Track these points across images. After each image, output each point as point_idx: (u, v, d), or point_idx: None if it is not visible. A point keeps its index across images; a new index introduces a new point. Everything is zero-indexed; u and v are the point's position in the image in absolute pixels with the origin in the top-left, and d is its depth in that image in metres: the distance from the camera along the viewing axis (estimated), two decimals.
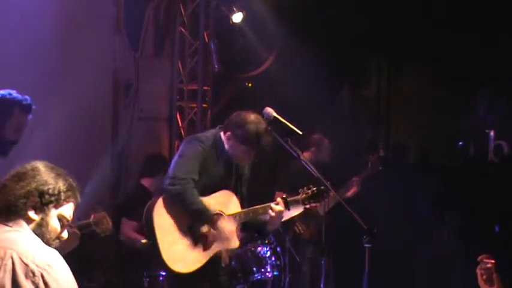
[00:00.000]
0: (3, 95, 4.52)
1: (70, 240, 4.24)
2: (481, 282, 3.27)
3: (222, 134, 4.91)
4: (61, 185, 2.85)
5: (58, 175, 2.87)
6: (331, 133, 7.93)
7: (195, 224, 4.75)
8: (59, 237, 2.89)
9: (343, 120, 10.50)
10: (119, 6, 7.27)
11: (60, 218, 2.87)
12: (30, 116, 4.57)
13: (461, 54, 9.75)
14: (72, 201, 2.90)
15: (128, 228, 6.25)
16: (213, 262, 4.81)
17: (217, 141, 4.89)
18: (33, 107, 4.56)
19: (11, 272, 2.67)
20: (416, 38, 9.86)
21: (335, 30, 9.40)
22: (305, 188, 4.93)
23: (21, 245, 2.72)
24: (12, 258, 2.68)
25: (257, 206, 4.89)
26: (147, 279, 5.82)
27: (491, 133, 9.96)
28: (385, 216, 7.92)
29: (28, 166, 2.86)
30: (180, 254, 4.70)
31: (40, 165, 2.86)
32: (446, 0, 9.48)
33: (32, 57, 5.94)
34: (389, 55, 10.77)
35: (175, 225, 4.72)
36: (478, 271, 3.26)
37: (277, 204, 4.82)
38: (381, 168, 7.56)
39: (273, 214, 4.81)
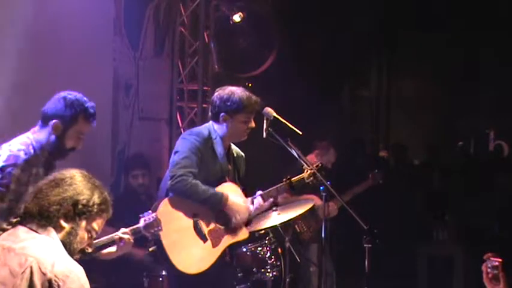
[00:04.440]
0: (70, 100, 4.23)
1: (122, 248, 4.15)
2: (486, 280, 3.26)
3: (215, 123, 4.90)
4: (96, 197, 2.83)
5: (95, 187, 2.85)
6: (331, 133, 7.94)
7: (200, 222, 4.75)
8: (84, 249, 2.88)
9: (343, 120, 10.51)
10: (119, 6, 7.27)
11: (90, 230, 2.85)
12: (94, 124, 4.32)
13: (461, 54, 9.76)
14: (104, 216, 2.89)
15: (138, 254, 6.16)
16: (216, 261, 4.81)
17: (212, 133, 4.89)
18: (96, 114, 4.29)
19: (28, 280, 2.65)
20: (416, 38, 9.87)
21: (335, 30, 9.40)
22: (310, 162, 5.02)
23: (43, 254, 2.69)
24: (31, 267, 2.66)
25: (261, 193, 4.92)
26: (147, 279, 5.82)
27: (491, 133, 9.98)
28: (385, 216, 7.93)
29: (67, 173, 2.84)
30: (190, 256, 4.68)
31: (78, 174, 2.85)
32: (446, 0, 9.48)
33: (31, 56, 5.93)
34: (389, 55, 10.79)
35: (180, 228, 4.70)
36: (484, 269, 3.25)
37: (286, 185, 4.93)
38: (381, 181, 7.55)
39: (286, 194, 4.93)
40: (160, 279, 5.71)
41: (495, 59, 9.46)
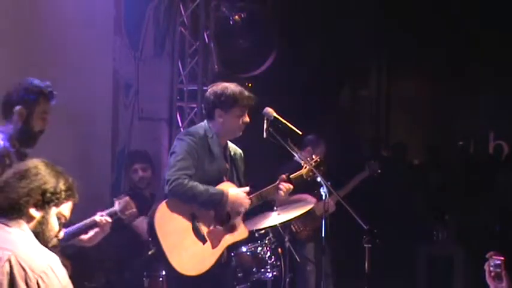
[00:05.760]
0: (28, 85, 4.40)
1: (101, 231, 4.28)
2: (489, 279, 3.27)
3: (210, 121, 4.89)
4: (62, 184, 2.89)
5: (58, 174, 2.91)
6: (331, 133, 7.93)
7: (198, 224, 4.74)
8: (57, 235, 2.92)
9: (343, 120, 10.51)
10: (119, 6, 7.27)
11: (59, 217, 2.91)
12: (53, 102, 4.47)
13: (461, 54, 9.76)
14: (71, 200, 2.95)
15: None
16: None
17: (208, 132, 4.87)
18: (55, 92, 4.47)
19: (8, 274, 2.69)
20: (416, 38, 9.86)
21: (335, 30, 9.40)
22: (308, 159, 5.03)
23: (20, 248, 2.74)
24: (10, 261, 2.70)
25: (260, 191, 4.91)
26: (147, 279, 5.82)
27: (491, 133, 9.98)
28: (385, 216, 7.93)
29: (30, 164, 2.89)
30: (190, 258, 4.67)
31: (41, 164, 2.90)
32: (446, 0, 9.48)
33: (31, 56, 5.93)
34: (389, 55, 10.78)
35: (179, 231, 4.68)
36: (487, 268, 3.26)
37: (285, 182, 4.92)
38: (379, 171, 7.55)
39: (283, 194, 4.90)
40: (160, 279, 5.71)
41: (495, 58, 9.45)
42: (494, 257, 3.27)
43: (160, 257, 4.70)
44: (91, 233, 4.31)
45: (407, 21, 9.70)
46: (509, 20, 8.96)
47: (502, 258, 3.25)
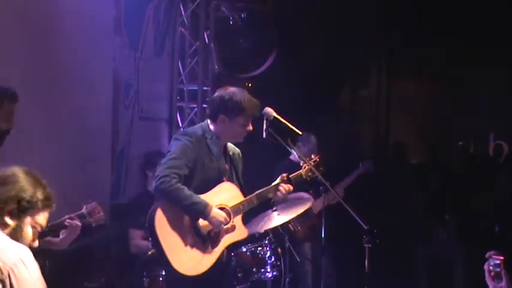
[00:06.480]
0: None
1: (71, 232, 4.33)
2: (488, 279, 3.27)
3: (212, 123, 4.85)
4: (39, 193, 2.89)
5: (37, 183, 2.91)
6: (331, 133, 7.93)
7: (198, 224, 4.72)
8: (30, 244, 2.93)
9: (343, 120, 10.50)
10: (119, 6, 7.27)
11: (34, 226, 2.92)
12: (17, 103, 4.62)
13: (461, 54, 9.75)
14: (48, 211, 2.95)
15: (137, 238, 6.24)
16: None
17: (207, 132, 4.85)
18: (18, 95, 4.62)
19: None
20: (416, 38, 9.86)
21: (335, 30, 9.40)
22: (307, 158, 5.01)
23: None
24: None
25: (259, 191, 4.87)
26: (147, 279, 5.82)
27: (491, 133, 9.97)
28: (385, 216, 7.93)
29: (9, 172, 2.90)
30: (189, 259, 4.65)
31: (20, 172, 2.91)
32: (446, 0, 9.47)
33: (32, 56, 5.94)
34: (389, 55, 10.77)
35: (178, 230, 4.66)
36: (486, 267, 3.26)
37: (285, 183, 4.88)
38: (372, 166, 7.56)
39: (280, 195, 4.86)
40: (160, 279, 5.71)
41: (495, 58, 9.45)
42: (493, 256, 3.27)
43: (161, 257, 4.70)
44: (61, 235, 4.35)
45: (407, 21, 9.69)
46: (509, 20, 8.95)
47: (502, 257, 3.25)
